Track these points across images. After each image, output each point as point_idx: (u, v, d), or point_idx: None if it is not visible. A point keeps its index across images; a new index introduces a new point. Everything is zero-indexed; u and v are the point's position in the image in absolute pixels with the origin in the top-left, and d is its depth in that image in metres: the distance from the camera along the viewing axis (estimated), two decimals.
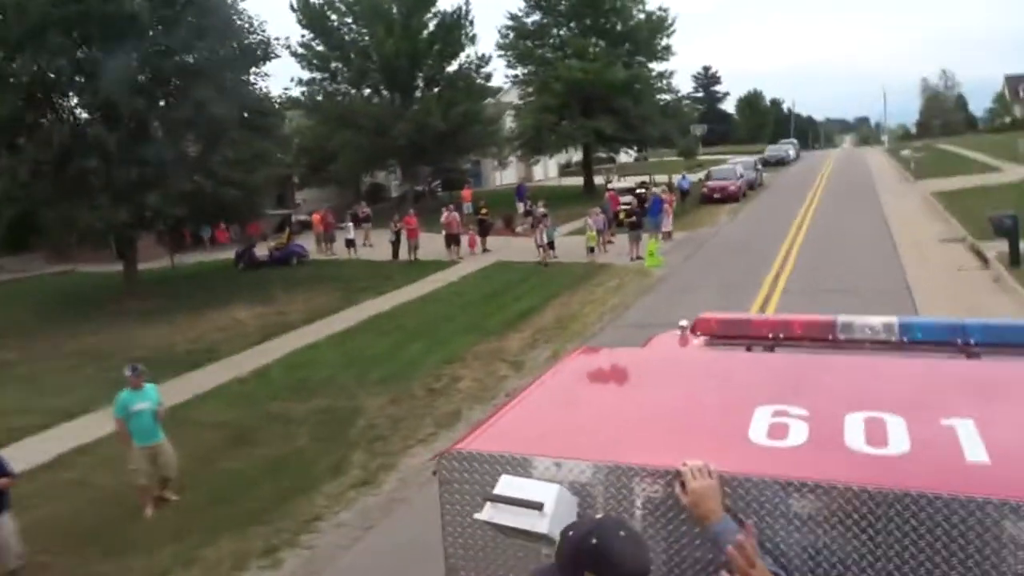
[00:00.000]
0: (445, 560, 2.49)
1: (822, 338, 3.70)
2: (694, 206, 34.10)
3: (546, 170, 64.06)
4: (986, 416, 2.32)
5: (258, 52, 19.82)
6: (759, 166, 44.28)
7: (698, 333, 4.04)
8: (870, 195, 33.35)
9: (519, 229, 28.33)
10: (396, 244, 23.69)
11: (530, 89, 43.27)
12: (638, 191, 31.60)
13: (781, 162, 63.16)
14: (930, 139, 75.73)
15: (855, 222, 25.03)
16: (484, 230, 25.58)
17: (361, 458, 9.24)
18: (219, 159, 18.08)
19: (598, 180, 44.38)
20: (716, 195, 35.35)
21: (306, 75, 35.17)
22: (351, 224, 25.56)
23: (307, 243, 27.04)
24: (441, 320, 16.18)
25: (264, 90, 20.86)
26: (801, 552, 2.03)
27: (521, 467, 2.31)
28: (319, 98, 35.36)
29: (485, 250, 25.52)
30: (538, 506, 2.14)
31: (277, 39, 19.97)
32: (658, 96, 42.70)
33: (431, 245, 24.66)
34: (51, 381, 13.64)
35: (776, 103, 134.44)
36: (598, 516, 2.06)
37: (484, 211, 25.85)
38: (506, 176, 57.76)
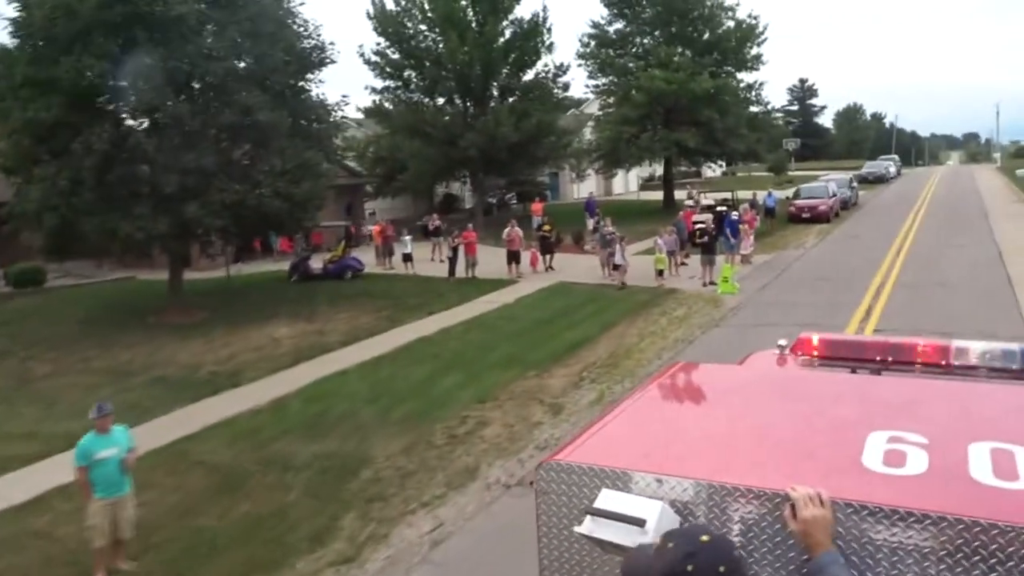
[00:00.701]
0: (540, 572, 2.48)
1: (935, 363, 3.50)
2: (780, 225, 31.74)
3: (627, 183, 62.13)
4: None
5: (312, 57, 18.99)
6: (854, 184, 41.33)
7: (799, 353, 3.86)
8: (979, 220, 30.26)
9: (588, 247, 26.77)
10: (453, 260, 22.50)
11: (611, 100, 41.70)
12: (717, 208, 29.47)
13: (880, 179, 59.42)
14: None
15: (962, 254, 22.38)
16: (547, 247, 24.12)
17: (352, 524, 7.94)
18: (264, 168, 17.26)
19: (680, 195, 42.31)
20: (805, 214, 32.92)
21: (379, 83, 34.53)
22: (408, 237, 24.52)
23: (369, 256, 26.27)
24: (484, 349, 14.82)
25: (320, 97, 20.04)
26: None
27: (621, 482, 2.29)
28: (390, 106, 34.60)
29: (549, 268, 24.07)
30: (640, 522, 2.12)
31: (332, 44, 19.09)
32: (746, 108, 40.28)
33: (497, 262, 23.33)
34: (69, 400, 12.93)
35: (877, 117, 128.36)
36: (704, 537, 1.88)
37: (547, 227, 24.37)
38: (584, 189, 56.24)
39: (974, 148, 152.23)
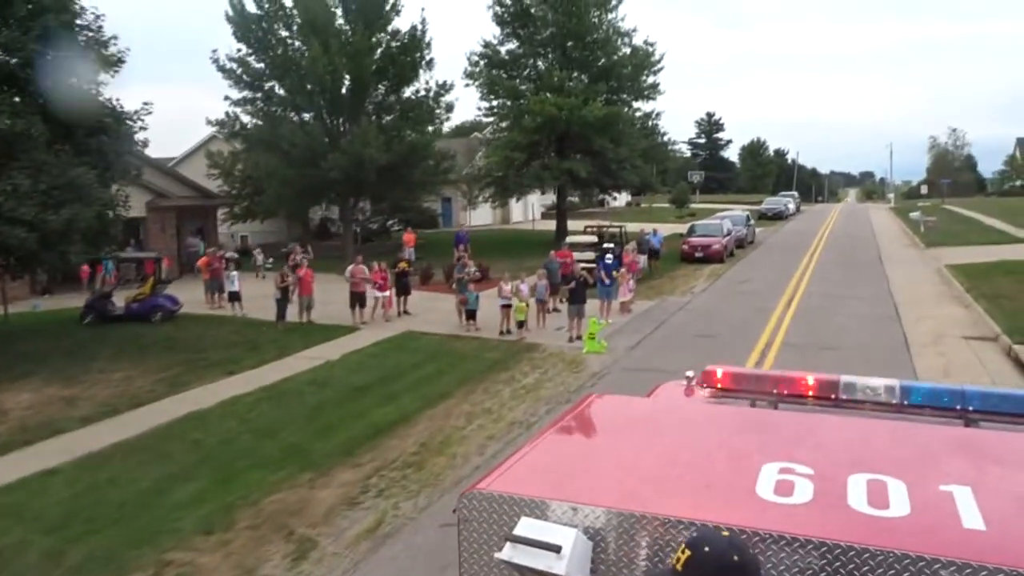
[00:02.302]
0: None
1: (825, 396, 3.71)
2: (671, 265, 29.44)
3: (529, 212, 59.64)
4: (983, 484, 2.46)
5: (90, 50, 15.29)
6: (751, 221, 39.76)
7: (704, 385, 4.01)
8: (874, 265, 28.70)
9: (455, 285, 23.50)
10: (283, 302, 18.91)
11: (502, 124, 39.00)
12: (604, 245, 26.76)
13: (779, 216, 58.89)
14: (938, 198, 71.43)
15: (856, 305, 20.32)
16: (402, 287, 20.84)
17: None
18: (6, 188, 13.43)
19: (577, 225, 39.73)
20: (698, 253, 30.84)
21: (236, 94, 30.70)
22: (235, 273, 20.79)
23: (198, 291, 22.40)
24: (262, 434, 11.37)
25: (112, 103, 16.31)
26: None
27: (539, 510, 2.41)
28: (246, 119, 30.82)
29: (403, 312, 20.82)
30: (556, 549, 2.23)
31: (114, 38, 15.44)
32: (642, 138, 38.21)
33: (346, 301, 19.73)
34: None
35: (780, 153, 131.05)
36: (724, 533, 2.04)
37: (404, 263, 21.10)
38: (481, 216, 53.35)
39: (870, 186, 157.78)
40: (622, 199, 75.27)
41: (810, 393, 3.75)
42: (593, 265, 21.61)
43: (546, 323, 18.64)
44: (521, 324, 17.63)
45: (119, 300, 19.76)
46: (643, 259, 26.54)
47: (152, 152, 24.99)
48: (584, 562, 2.26)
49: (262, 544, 7.93)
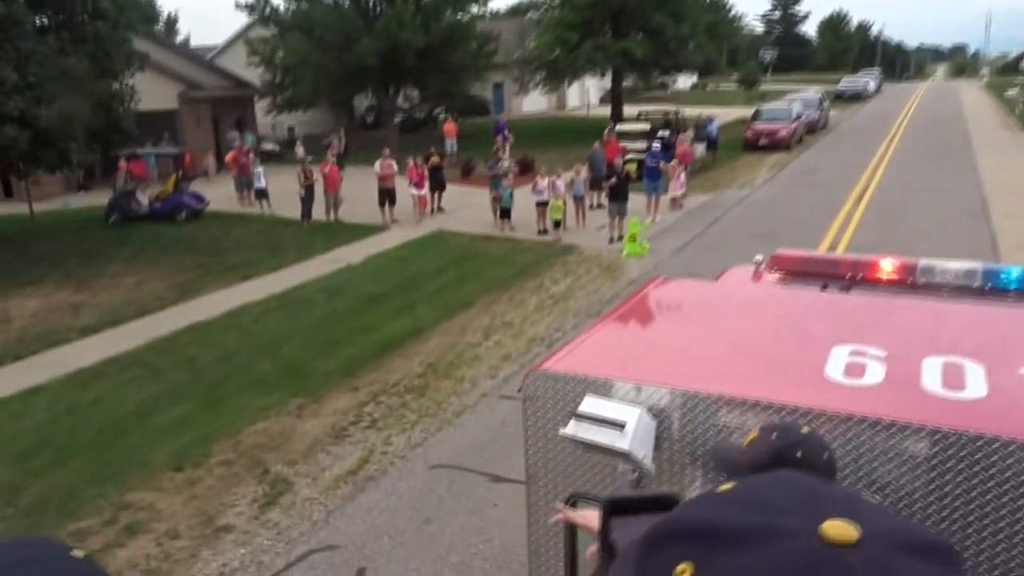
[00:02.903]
0: (526, 470, 2.68)
1: (901, 280, 3.58)
2: (733, 154, 27.15)
3: (585, 97, 56.63)
4: None
5: None
6: (825, 103, 36.52)
7: (773, 269, 3.86)
8: (962, 152, 25.89)
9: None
10: (307, 200, 17.85)
11: (554, 2, 36.13)
12: (659, 134, 24.66)
13: (857, 97, 54.48)
14: None
15: (938, 198, 18.17)
16: (436, 182, 19.52)
17: None
18: None
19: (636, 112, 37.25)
20: (762, 140, 28.35)
21: None
22: (260, 169, 19.69)
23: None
24: (264, 348, 10.52)
25: None
26: (868, 486, 2.07)
27: (603, 389, 2.45)
28: (277, 2, 29.02)
29: (438, 210, 19.60)
30: (620, 425, 2.27)
31: None
32: (705, 13, 34.96)
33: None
34: None
35: (864, 27, 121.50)
36: (805, 429, 1.87)
37: (436, 157, 19.67)
38: (534, 103, 50.87)
39: (961, 61, 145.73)
40: (686, 81, 71.13)
41: (885, 277, 3.63)
42: (643, 156, 19.74)
43: (586, 222, 17.18)
44: (558, 224, 16.22)
45: (144, 199, 19.00)
46: (700, 148, 24.45)
47: (194, 43, 23.77)
48: (647, 439, 2.30)
49: (233, 485, 7.12)
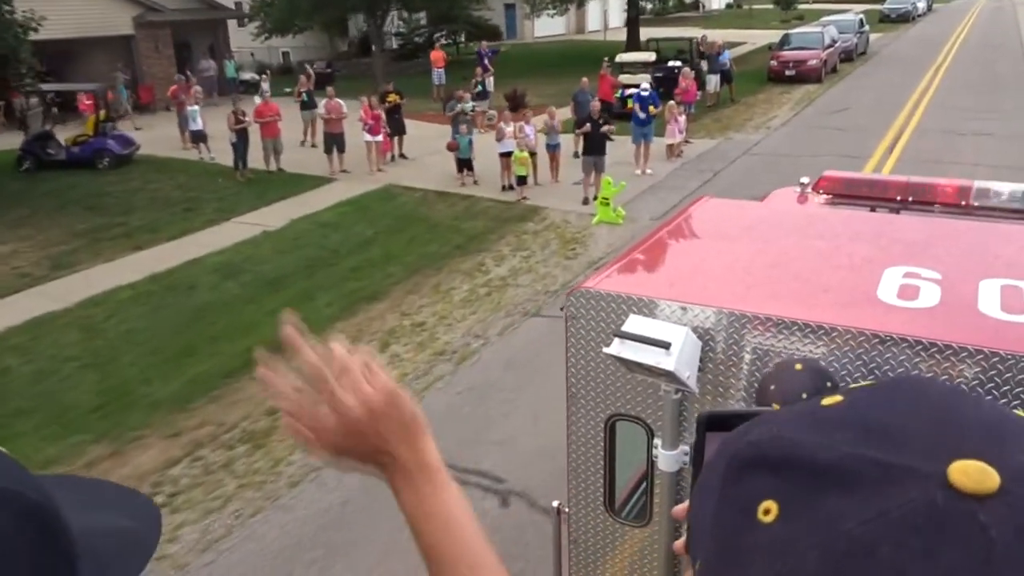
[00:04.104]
0: (567, 388, 2.66)
1: (955, 203, 3.47)
2: (753, 86, 23.85)
3: (605, 20, 52.39)
4: None
5: None
6: (864, 27, 32.54)
7: (820, 191, 3.78)
8: (1020, 86, 22.35)
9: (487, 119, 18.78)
10: (240, 147, 15.32)
11: None
12: (670, 64, 21.41)
13: (904, 18, 49.58)
14: None
15: (987, 145, 15.13)
16: (395, 125, 16.84)
17: None
18: None
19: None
20: (789, 71, 24.93)
21: None
22: (196, 107, 17.08)
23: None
24: (92, 363, 8.25)
25: None
26: None
27: (648, 308, 2.40)
28: None
29: (399, 156, 17.02)
30: (666, 345, 2.21)
31: None
32: None
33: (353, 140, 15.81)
34: None
35: None
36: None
37: (392, 96, 16.89)
38: (550, 26, 47.05)
39: None
40: (720, 1, 66.09)
41: (938, 200, 3.53)
42: (646, 92, 16.49)
43: (559, 176, 14.45)
44: (523, 180, 13.58)
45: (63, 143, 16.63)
46: (713, 81, 21.30)
47: None
48: (693, 360, 2.26)
49: None
